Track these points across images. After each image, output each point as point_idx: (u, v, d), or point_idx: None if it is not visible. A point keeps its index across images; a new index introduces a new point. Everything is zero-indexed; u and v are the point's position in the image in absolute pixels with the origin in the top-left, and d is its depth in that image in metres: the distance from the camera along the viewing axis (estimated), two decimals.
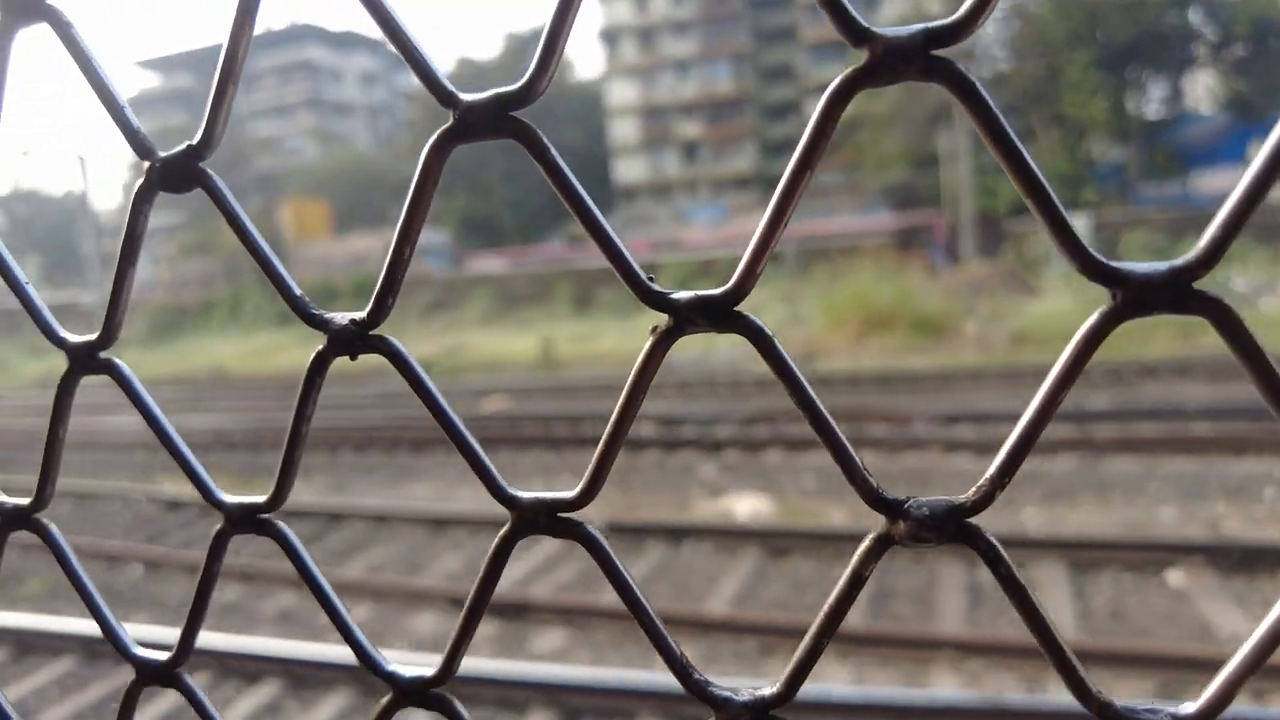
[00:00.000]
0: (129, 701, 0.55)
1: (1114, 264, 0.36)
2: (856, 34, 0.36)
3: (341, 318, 0.45)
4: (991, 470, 0.39)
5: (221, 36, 0.45)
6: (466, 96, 0.41)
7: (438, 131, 0.42)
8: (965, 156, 25.60)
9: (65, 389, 0.53)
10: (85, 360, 0.52)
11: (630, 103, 52.98)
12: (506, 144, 0.42)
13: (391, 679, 0.48)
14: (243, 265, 39.07)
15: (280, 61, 61.80)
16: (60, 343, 0.53)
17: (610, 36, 53.59)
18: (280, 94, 61.94)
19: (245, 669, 4.22)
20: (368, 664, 0.48)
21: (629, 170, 52.95)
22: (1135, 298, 0.35)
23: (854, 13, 0.36)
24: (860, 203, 37.40)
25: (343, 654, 3.95)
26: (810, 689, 2.99)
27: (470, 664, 3.72)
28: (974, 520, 0.39)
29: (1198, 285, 0.35)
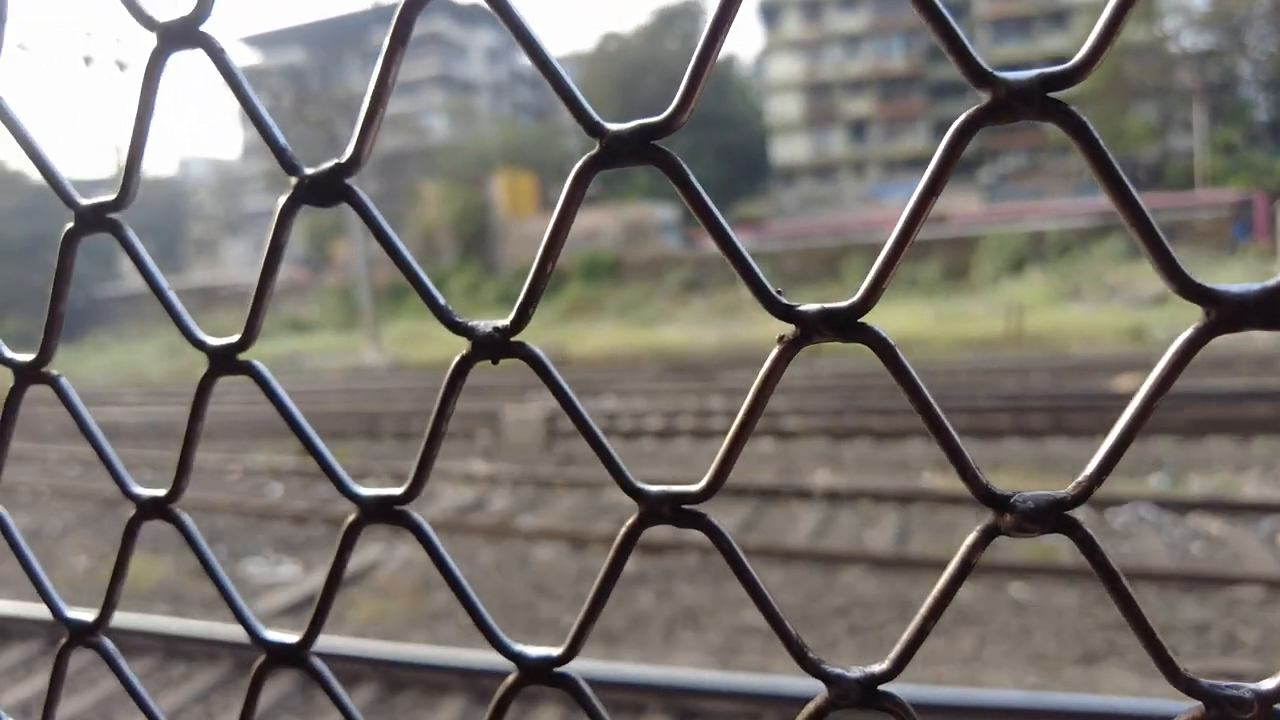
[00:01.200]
0: (257, 680, 0.59)
1: (1209, 285, 0.40)
2: (979, 76, 0.41)
3: (485, 325, 0.49)
4: (1090, 468, 0.43)
5: (379, 55, 0.49)
6: (613, 127, 0.45)
7: (583, 158, 0.46)
8: (1202, 132, 24.18)
9: (204, 389, 0.57)
10: (224, 362, 0.56)
11: (792, 79, 49.55)
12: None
13: (518, 658, 0.52)
14: (443, 242, 36.82)
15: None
16: (200, 345, 0.57)
17: (770, 11, 50.38)
18: (404, 69, 57.47)
19: (350, 670, 4.25)
20: (497, 645, 0.52)
21: (789, 149, 49.49)
22: (1229, 315, 0.40)
23: (978, 57, 0.41)
24: (1074, 184, 35.97)
25: (458, 656, 4.01)
26: (913, 689, 3.04)
27: (580, 665, 3.78)
28: (1072, 513, 0.44)
29: None
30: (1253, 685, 0.42)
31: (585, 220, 33.69)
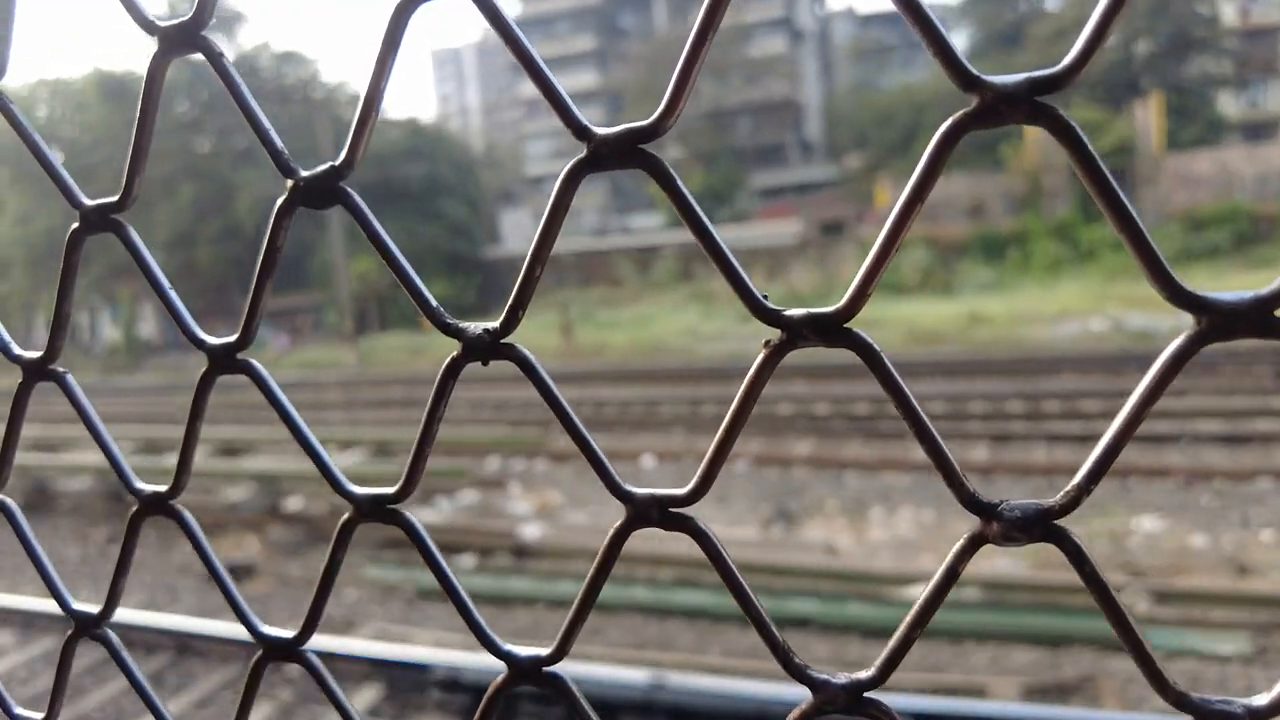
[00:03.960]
0: (255, 673, 0.59)
1: (1201, 293, 0.39)
2: (967, 80, 0.40)
3: (476, 328, 0.49)
4: (1079, 477, 0.43)
5: (365, 75, 0.50)
6: (601, 131, 0.45)
7: (571, 161, 0.46)
8: None
9: (203, 387, 0.58)
10: (224, 361, 0.57)
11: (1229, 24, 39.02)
12: None
13: (508, 657, 0.52)
14: (1057, 184, 28.44)
15: None
16: (200, 344, 0.58)
17: None
18: (745, 11, 45.83)
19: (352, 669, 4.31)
20: (487, 645, 0.53)
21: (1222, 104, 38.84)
22: (1220, 323, 0.39)
23: (965, 62, 0.40)
24: None
25: (450, 657, 4.08)
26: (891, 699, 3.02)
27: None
28: (1061, 522, 0.43)
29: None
30: (1244, 700, 0.42)
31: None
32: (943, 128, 0.41)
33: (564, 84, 0.46)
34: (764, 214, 38.18)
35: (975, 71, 0.40)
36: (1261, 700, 0.41)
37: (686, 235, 0.42)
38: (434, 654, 4.25)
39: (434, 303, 0.51)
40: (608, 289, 32.18)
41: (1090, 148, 0.39)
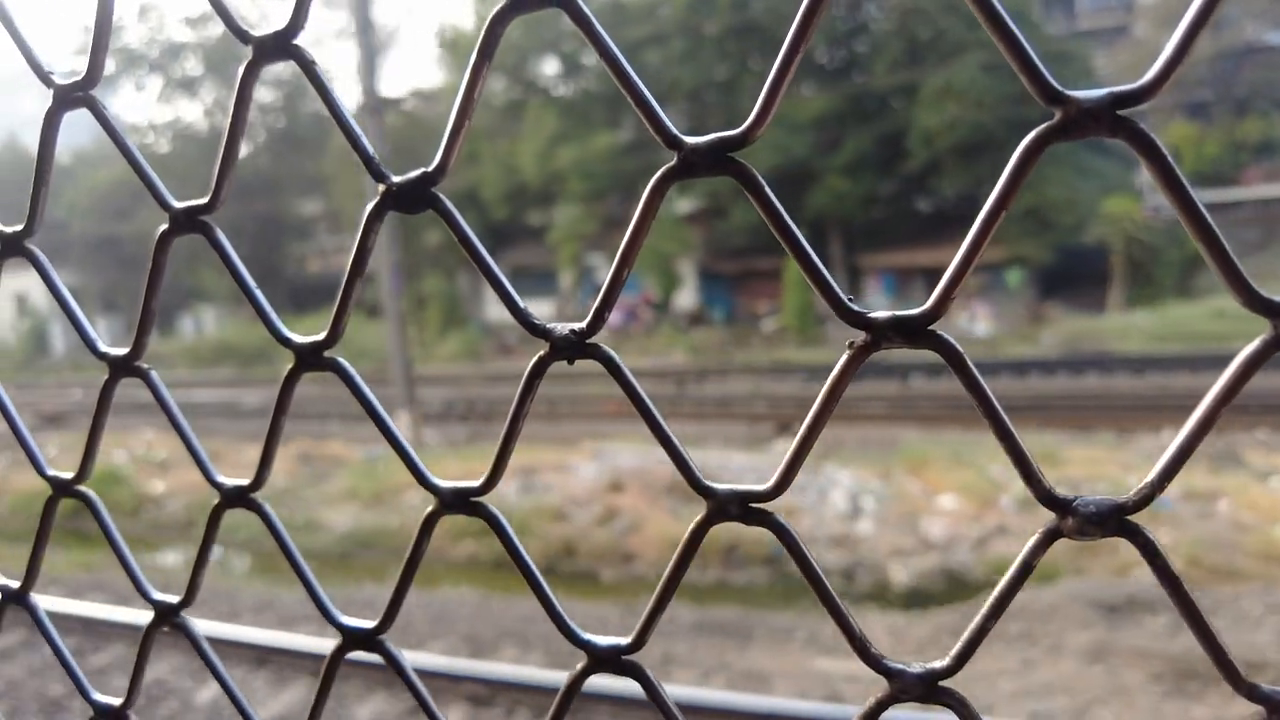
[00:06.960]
0: (333, 663, 0.61)
1: (1276, 298, 0.41)
2: (1050, 95, 0.42)
3: (562, 328, 0.51)
4: (1152, 475, 0.44)
5: (461, 78, 0.52)
6: (690, 140, 0.47)
7: (660, 170, 0.48)
8: None
9: (289, 384, 0.60)
10: (310, 358, 0.59)
11: None
12: None
13: (587, 646, 0.54)
14: None
15: None
16: (286, 342, 0.60)
17: None
18: None
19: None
20: (566, 634, 0.55)
21: None
22: None
23: (1048, 76, 0.42)
24: None
25: (518, 673, 4.13)
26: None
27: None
28: (1133, 518, 0.45)
29: None
30: None
31: None
32: (1026, 141, 0.43)
33: None
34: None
35: (1058, 86, 0.42)
36: None
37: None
38: (506, 670, 4.31)
39: (522, 304, 0.53)
40: None
41: (1171, 161, 0.41)
